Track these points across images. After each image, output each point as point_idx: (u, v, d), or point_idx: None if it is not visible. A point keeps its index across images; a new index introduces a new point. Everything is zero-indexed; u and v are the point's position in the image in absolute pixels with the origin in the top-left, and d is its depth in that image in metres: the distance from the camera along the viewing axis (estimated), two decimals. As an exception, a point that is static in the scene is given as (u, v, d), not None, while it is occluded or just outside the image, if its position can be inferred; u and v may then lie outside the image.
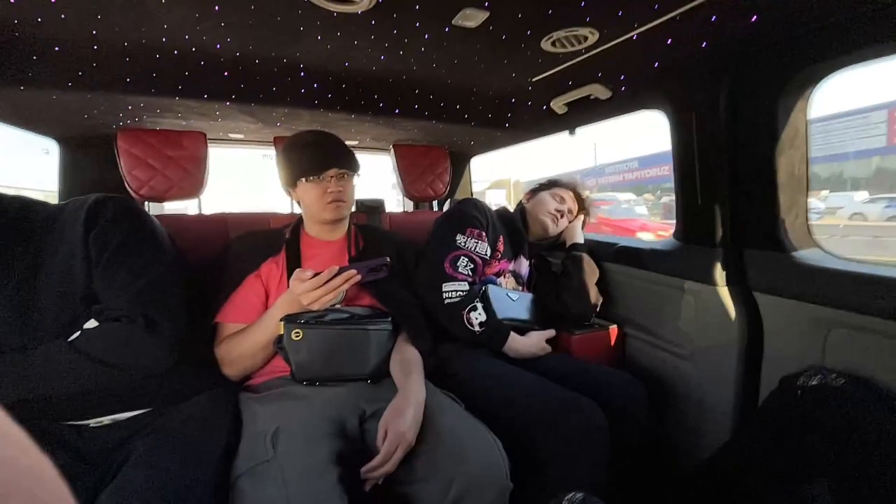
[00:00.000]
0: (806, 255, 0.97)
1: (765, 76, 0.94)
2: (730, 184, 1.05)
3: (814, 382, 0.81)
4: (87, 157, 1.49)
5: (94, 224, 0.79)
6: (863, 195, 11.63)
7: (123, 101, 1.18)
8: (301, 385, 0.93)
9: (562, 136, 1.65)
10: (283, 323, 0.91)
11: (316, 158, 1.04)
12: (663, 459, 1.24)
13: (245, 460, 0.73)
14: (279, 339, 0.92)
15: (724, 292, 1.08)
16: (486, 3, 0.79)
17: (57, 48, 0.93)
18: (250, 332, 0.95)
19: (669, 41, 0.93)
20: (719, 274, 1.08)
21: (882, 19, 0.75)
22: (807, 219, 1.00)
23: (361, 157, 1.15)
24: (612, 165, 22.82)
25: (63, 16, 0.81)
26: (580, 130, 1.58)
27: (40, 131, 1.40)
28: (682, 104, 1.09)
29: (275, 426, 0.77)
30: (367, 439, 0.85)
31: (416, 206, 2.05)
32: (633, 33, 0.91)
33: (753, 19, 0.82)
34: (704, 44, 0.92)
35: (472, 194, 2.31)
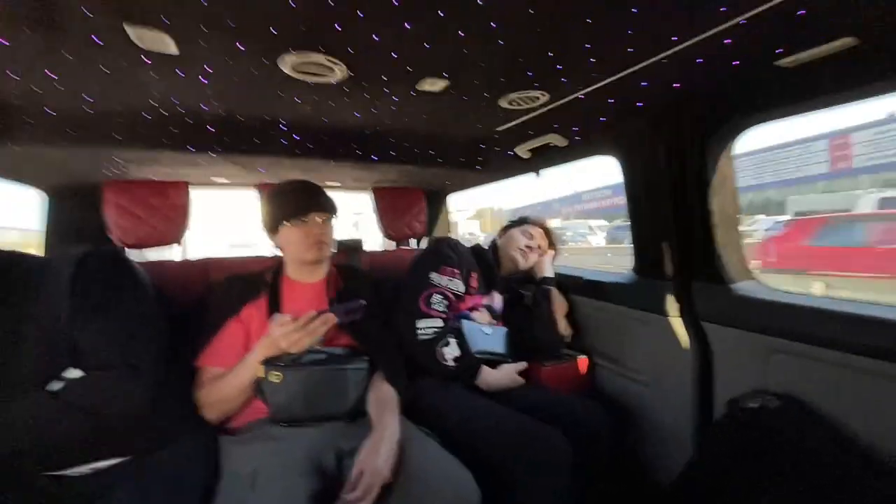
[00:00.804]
0: (743, 286, 1.08)
1: (692, 130, 1.07)
2: (674, 222, 1.17)
3: (754, 405, 0.89)
4: (73, 207, 1.53)
5: (80, 276, 0.84)
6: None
7: (109, 154, 1.24)
8: (279, 426, 0.96)
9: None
10: (262, 366, 0.96)
11: (298, 202, 1.11)
12: (631, 483, 1.28)
13: (223, 502, 0.75)
14: (258, 381, 0.96)
15: (677, 322, 1.17)
16: (445, 74, 0.90)
17: (48, 109, 1.00)
18: (230, 375, 0.99)
19: (611, 100, 1.06)
20: (671, 305, 1.18)
21: (778, 86, 0.89)
22: (742, 253, 1.11)
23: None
24: (588, 193, 24.16)
25: (60, 87, 0.88)
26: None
27: (28, 183, 1.45)
28: (629, 152, 1.22)
29: (252, 467, 0.80)
30: (346, 476, 0.88)
31: (399, 244, 2.13)
32: (578, 94, 1.04)
33: (675, 86, 0.95)
34: (639, 103, 1.06)
35: (449, 229, 2.41)
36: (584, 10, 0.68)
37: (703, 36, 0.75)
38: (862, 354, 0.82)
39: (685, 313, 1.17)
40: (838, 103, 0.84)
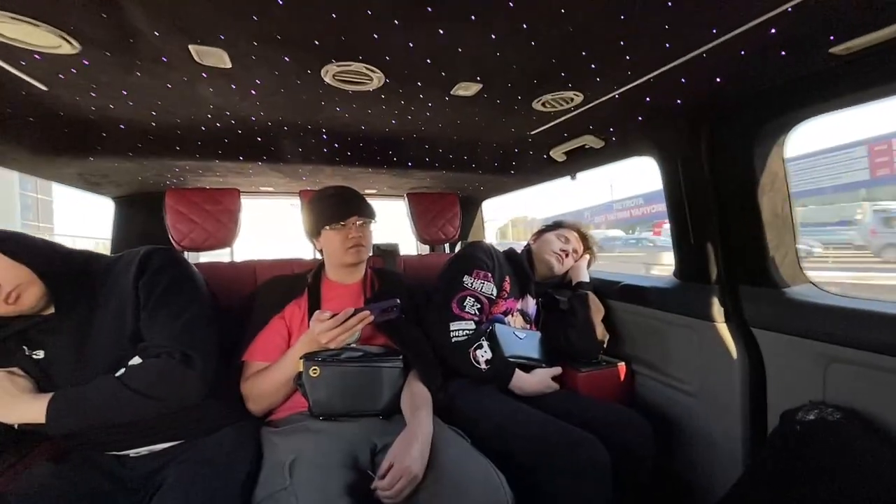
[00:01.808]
0: (798, 290, 1.00)
1: (737, 127, 1.03)
2: (719, 224, 1.11)
3: (811, 417, 0.83)
4: (137, 213, 1.68)
5: (144, 273, 0.92)
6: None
7: (172, 165, 1.36)
8: (318, 420, 1.00)
9: (582, 175, 1.74)
10: (302, 361, 1.00)
11: (339, 208, 1.17)
12: (673, 497, 1.21)
13: (264, 487, 0.79)
14: (298, 375, 1.01)
15: (724, 328, 1.10)
16: (478, 77, 0.92)
17: (122, 126, 1.11)
18: (273, 369, 1.04)
19: (648, 99, 1.04)
20: (717, 310, 1.12)
21: (833, 77, 0.83)
22: (796, 256, 1.04)
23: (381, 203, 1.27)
24: (620, 202, 23.83)
25: (131, 103, 0.98)
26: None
27: (99, 192, 1.61)
28: (668, 152, 1.18)
29: (292, 457, 0.84)
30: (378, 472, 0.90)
31: (433, 249, 2.16)
32: (614, 94, 1.02)
33: (717, 80, 0.92)
34: (679, 101, 1.02)
35: (484, 235, 2.42)
36: (617, 7, 0.67)
37: (746, 27, 0.72)
38: None
39: (732, 319, 1.11)
40: None
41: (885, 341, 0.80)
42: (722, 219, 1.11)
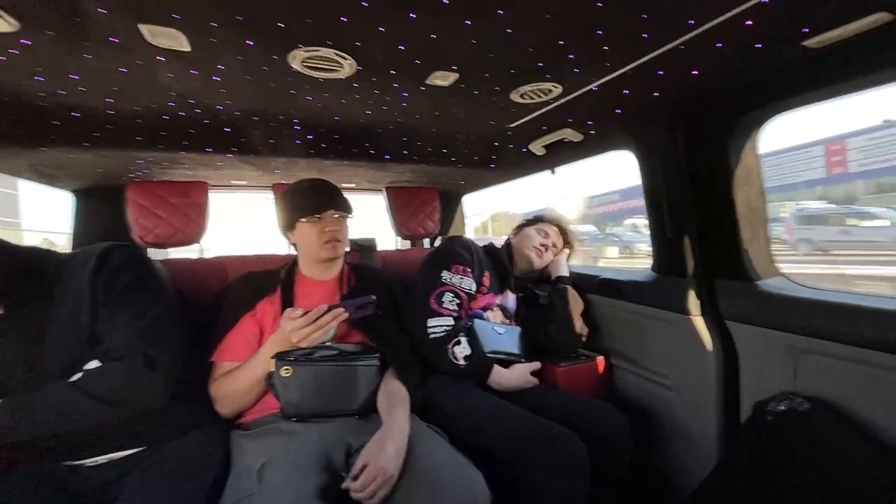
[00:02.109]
0: (771, 283, 1.02)
1: (713, 121, 1.03)
2: (696, 218, 1.12)
3: (781, 408, 0.84)
4: (99, 207, 1.59)
5: (102, 270, 0.87)
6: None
7: (134, 156, 1.29)
8: (290, 421, 0.97)
9: (562, 169, 1.73)
10: (273, 360, 0.96)
11: (315, 200, 1.13)
12: (652, 490, 1.23)
13: (231, 494, 0.76)
14: (270, 376, 0.97)
15: (700, 322, 1.12)
16: (454, 67, 0.89)
17: (75, 114, 1.04)
18: (243, 369, 1.00)
19: (626, 92, 1.03)
20: (693, 304, 1.13)
21: (806, 70, 0.84)
22: (769, 249, 1.06)
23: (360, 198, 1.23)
24: (598, 197, 24.40)
25: (83, 88, 0.92)
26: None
27: (57, 185, 1.51)
28: (645, 146, 1.18)
29: (262, 461, 0.80)
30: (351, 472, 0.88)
31: (413, 244, 2.13)
32: (592, 86, 1.01)
33: (695, 73, 0.91)
34: (656, 94, 1.02)
35: (465, 230, 2.40)
36: None
37: (722, 18, 0.71)
38: None
39: (708, 312, 1.12)
40: (871, 86, 0.79)
41: (854, 333, 0.82)
42: (698, 213, 1.12)
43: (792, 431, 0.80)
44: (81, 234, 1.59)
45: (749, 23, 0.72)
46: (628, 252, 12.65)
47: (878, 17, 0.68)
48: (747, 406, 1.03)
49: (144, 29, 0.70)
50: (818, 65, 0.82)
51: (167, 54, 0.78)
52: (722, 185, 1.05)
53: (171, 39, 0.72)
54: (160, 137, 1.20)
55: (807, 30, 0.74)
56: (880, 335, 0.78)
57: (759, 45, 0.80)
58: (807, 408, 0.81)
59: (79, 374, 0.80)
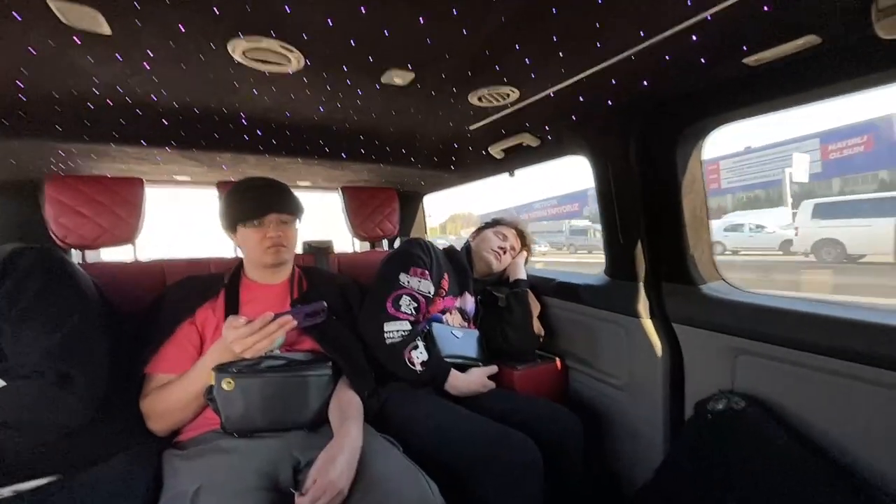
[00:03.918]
0: (712, 287, 1.07)
1: (662, 130, 1.07)
2: (645, 223, 1.16)
3: (720, 407, 0.88)
4: (13, 204, 1.42)
5: (7, 276, 0.77)
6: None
7: (53, 147, 1.15)
8: (232, 437, 0.90)
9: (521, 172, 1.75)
10: (213, 373, 0.89)
11: (255, 203, 1.05)
12: (603, 490, 1.26)
13: None
14: (209, 389, 0.90)
15: (648, 324, 1.16)
16: (410, 66, 0.87)
17: None
18: (179, 382, 0.92)
19: (581, 98, 1.05)
20: (643, 307, 1.17)
21: (746, 86, 0.89)
22: (711, 254, 1.11)
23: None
24: (539, 202, 27.57)
25: None
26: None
27: None
28: (599, 152, 1.21)
29: (197, 484, 0.74)
30: (301, 490, 0.83)
31: (373, 246, 2.08)
32: (549, 91, 1.01)
33: (644, 84, 0.94)
34: (609, 101, 1.04)
35: (426, 230, 2.37)
36: (548, 2, 0.65)
37: (670, 32, 0.73)
38: (828, 355, 0.82)
39: (656, 315, 1.16)
40: (804, 102, 0.84)
41: (786, 335, 0.88)
42: (648, 219, 1.16)
43: (730, 429, 0.85)
44: None
45: (694, 38, 0.75)
46: (566, 249, 17.63)
47: (808, 40, 0.73)
48: (691, 405, 1.08)
49: (55, 6, 0.61)
50: (757, 81, 0.87)
51: (84, 36, 0.70)
52: (669, 193, 1.09)
53: (88, 20, 0.65)
54: (84, 127, 1.08)
55: (745, 48, 0.78)
56: (809, 337, 0.84)
57: (703, 60, 0.83)
58: (742, 406, 0.86)
59: None
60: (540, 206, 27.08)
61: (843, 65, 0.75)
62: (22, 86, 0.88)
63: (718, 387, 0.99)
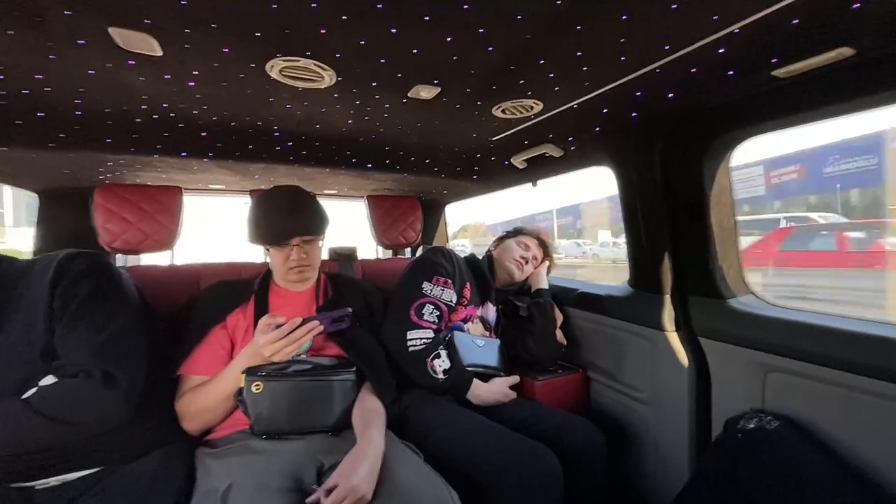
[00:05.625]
0: (741, 301, 1.05)
1: (689, 141, 1.06)
2: (671, 234, 1.14)
3: (752, 426, 0.86)
4: (65, 210, 1.53)
5: (61, 280, 0.82)
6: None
7: (103, 158, 1.24)
8: (260, 439, 0.93)
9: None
10: (244, 375, 0.93)
11: (279, 227, 1.06)
12: None
13: None
14: (239, 391, 0.93)
15: (674, 337, 1.13)
16: (436, 81, 0.89)
17: (40, 114, 1.00)
18: (212, 384, 0.96)
19: (605, 110, 1.05)
20: (668, 319, 1.14)
21: (775, 98, 0.87)
22: (740, 267, 1.09)
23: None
24: (541, 214, 28.41)
25: (47, 88, 0.88)
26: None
27: (21, 185, 1.44)
28: (624, 163, 1.20)
29: (228, 482, 0.77)
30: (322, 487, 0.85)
31: (395, 253, 2.11)
32: (572, 104, 1.02)
33: (670, 96, 0.94)
34: (634, 114, 1.04)
35: (447, 239, 2.40)
36: (574, 17, 0.66)
37: (697, 45, 0.73)
38: (863, 374, 0.78)
39: (682, 328, 1.14)
40: (835, 115, 0.82)
41: (820, 353, 0.85)
42: (673, 230, 1.14)
43: (761, 449, 0.82)
44: (44, 237, 1.52)
45: (721, 50, 0.74)
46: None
47: (841, 52, 0.71)
48: (718, 422, 1.05)
49: (114, 33, 0.67)
50: (787, 93, 0.85)
51: (138, 58, 0.75)
52: (696, 204, 1.08)
53: (142, 44, 0.70)
54: (132, 140, 1.16)
55: (775, 60, 0.77)
56: (847, 356, 0.81)
57: (731, 73, 0.82)
58: (775, 426, 0.83)
59: (32, 391, 0.75)
60: (542, 219, 28.72)
61: (878, 77, 0.73)
62: (79, 102, 0.95)
63: (747, 403, 0.96)
